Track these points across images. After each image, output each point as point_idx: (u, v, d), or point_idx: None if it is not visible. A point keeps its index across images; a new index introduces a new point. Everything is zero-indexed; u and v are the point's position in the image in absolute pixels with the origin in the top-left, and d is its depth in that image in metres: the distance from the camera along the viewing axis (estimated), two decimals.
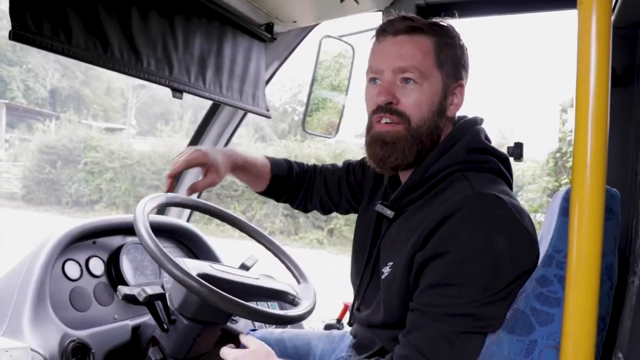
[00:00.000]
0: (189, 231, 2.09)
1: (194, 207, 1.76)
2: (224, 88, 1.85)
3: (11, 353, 1.22)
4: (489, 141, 1.19)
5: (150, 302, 1.49)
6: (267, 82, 2.20)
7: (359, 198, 1.47)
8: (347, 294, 1.45)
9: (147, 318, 1.68)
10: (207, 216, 1.79)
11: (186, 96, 1.70)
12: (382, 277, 1.17)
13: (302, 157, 12.88)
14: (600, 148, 0.73)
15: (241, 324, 1.93)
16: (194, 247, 2.10)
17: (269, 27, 2.03)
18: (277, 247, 1.81)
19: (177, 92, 1.66)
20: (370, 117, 1.18)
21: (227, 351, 1.20)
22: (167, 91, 1.64)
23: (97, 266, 1.73)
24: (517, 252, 1.01)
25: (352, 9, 1.86)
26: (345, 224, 11.02)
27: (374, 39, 1.20)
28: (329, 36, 1.92)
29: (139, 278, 1.83)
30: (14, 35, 1.17)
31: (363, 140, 1.24)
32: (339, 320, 2.14)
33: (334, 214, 1.66)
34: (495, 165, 1.14)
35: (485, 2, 1.81)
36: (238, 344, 1.63)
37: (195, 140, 2.33)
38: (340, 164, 1.61)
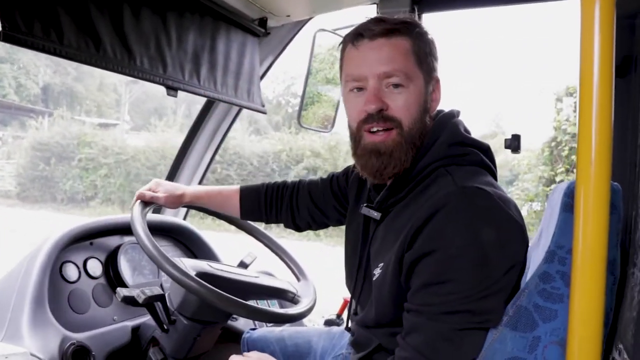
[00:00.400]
0: (186, 229, 2.08)
1: (190, 206, 1.75)
2: (218, 84, 1.84)
3: (12, 359, 1.21)
4: (469, 133, 1.18)
5: (149, 303, 1.49)
6: (262, 77, 2.18)
7: (345, 205, 1.46)
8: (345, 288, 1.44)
9: (147, 318, 1.68)
10: None
11: (180, 91, 1.69)
12: (374, 279, 1.16)
13: (296, 149, 12.86)
14: (604, 144, 0.72)
15: (241, 322, 1.92)
16: (192, 245, 2.09)
17: (263, 21, 2.01)
18: (275, 244, 1.81)
19: (172, 90, 1.64)
20: (358, 126, 1.14)
21: (234, 357, 1.19)
22: (160, 86, 1.63)
23: (95, 267, 1.72)
24: (505, 242, 1.00)
25: (347, 2, 1.85)
26: None
27: (347, 45, 1.16)
28: (323, 30, 1.90)
29: (137, 278, 1.82)
30: (5, 37, 1.15)
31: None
32: (338, 316, 2.13)
33: None
34: (477, 156, 1.13)
35: None
36: (238, 343, 1.63)
37: (191, 136, 2.32)
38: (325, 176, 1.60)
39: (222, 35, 1.84)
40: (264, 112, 2.13)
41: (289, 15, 1.98)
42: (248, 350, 1.59)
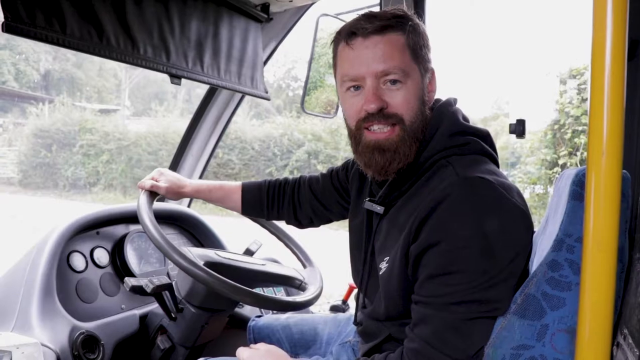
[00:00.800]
0: (191, 217, 2.09)
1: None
2: (221, 71, 1.83)
3: (23, 350, 1.22)
4: (467, 120, 1.18)
5: (157, 293, 1.49)
6: (265, 63, 2.17)
7: (347, 199, 1.46)
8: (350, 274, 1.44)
9: (155, 307, 1.69)
10: None
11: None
12: (380, 273, 1.17)
13: (298, 132, 12.83)
14: (616, 135, 0.72)
15: (247, 310, 1.94)
16: (197, 233, 2.10)
17: (265, 7, 1.99)
18: (281, 231, 1.81)
19: (175, 77, 1.64)
20: (358, 125, 1.13)
21: (242, 349, 1.20)
22: None
23: (102, 256, 1.73)
24: (509, 230, 1.00)
25: None
26: None
27: (341, 44, 1.15)
28: (326, 14, 1.88)
29: (144, 266, 1.83)
30: (7, 28, 1.14)
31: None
32: (344, 302, 2.15)
33: None
34: (477, 145, 1.13)
35: None
36: (245, 330, 1.64)
37: (194, 124, 2.31)
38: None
39: (225, 22, 1.83)
40: (268, 99, 2.12)
41: (291, 1, 1.96)
42: (254, 337, 1.61)
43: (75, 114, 15.30)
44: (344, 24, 1.20)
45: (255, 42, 2.01)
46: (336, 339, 1.53)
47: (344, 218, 1.51)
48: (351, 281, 1.93)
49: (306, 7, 2.08)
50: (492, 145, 1.17)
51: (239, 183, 1.63)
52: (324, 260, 2.49)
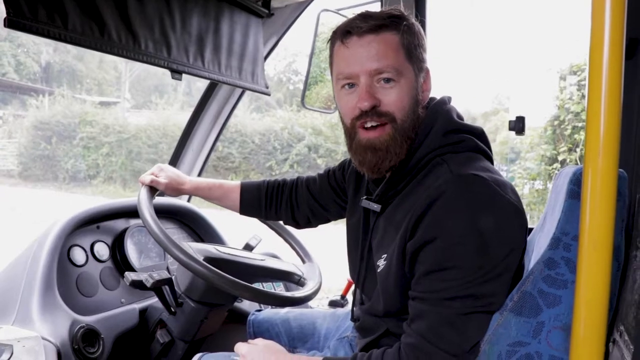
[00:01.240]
0: (191, 212, 2.09)
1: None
2: (222, 67, 1.83)
3: (24, 343, 1.23)
4: (461, 118, 1.20)
5: (157, 287, 1.50)
6: (265, 58, 2.17)
7: (345, 199, 1.47)
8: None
9: (154, 301, 1.70)
10: None
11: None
12: (378, 271, 1.18)
13: (299, 126, 12.82)
14: (612, 135, 0.73)
15: (247, 304, 1.95)
16: (197, 227, 2.11)
17: (266, 2, 1.99)
18: (281, 226, 1.82)
19: (176, 73, 1.64)
20: (352, 123, 1.16)
21: (240, 345, 1.21)
22: None
23: (102, 251, 1.74)
24: (503, 227, 1.02)
25: None
26: None
27: (337, 43, 1.17)
28: (327, 10, 1.88)
29: (144, 261, 1.84)
30: (9, 23, 1.14)
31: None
32: (343, 297, 2.16)
33: None
34: (471, 142, 1.14)
35: None
36: (244, 324, 1.65)
37: (195, 118, 2.31)
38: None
39: (226, 17, 1.83)
40: (268, 94, 2.12)
41: None
42: (254, 331, 1.62)
43: (75, 107, 15.27)
44: (345, 19, 1.21)
45: (256, 37, 2.01)
46: (334, 333, 1.55)
47: (341, 217, 1.53)
48: (349, 276, 1.95)
49: (307, 3, 2.08)
50: (487, 143, 1.19)
51: (238, 182, 1.64)
52: (324, 254, 2.51)
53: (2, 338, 1.25)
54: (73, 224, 1.64)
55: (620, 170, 0.99)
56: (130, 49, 1.46)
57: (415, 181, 1.14)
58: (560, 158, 6.99)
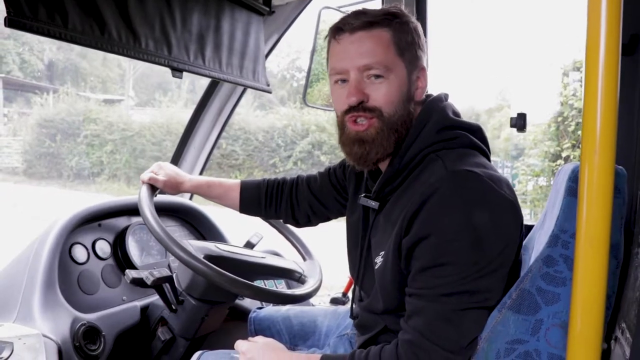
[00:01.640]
0: (192, 209, 2.10)
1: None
2: (223, 65, 1.83)
3: (24, 340, 1.24)
4: (458, 115, 1.20)
5: (158, 285, 1.51)
6: (267, 55, 2.17)
7: (345, 197, 1.48)
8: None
9: (155, 298, 1.70)
10: None
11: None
12: (376, 268, 1.19)
13: (301, 123, 12.82)
14: (609, 131, 0.73)
15: (248, 302, 1.95)
16: (199, 225, 2.11)
17: (267, 0, 1.99)
18: (281, 224, 1.82)
19: (177, 71, 1.64)
20: (342, 116, 1.18)
21: (240, 342, 1.22)
22: None
23: (104, 248, 1.74)
24: (498, 222, 1.02)
25: None
26: None
27: (331, 39, 1.18)
28: (328, 7, 1.88)
29: (145, 258, 1.84)
30: (10, 22, 1.15)
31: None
32: (344, 294, 2.16)
33: None
34: (466, 138, 1.15)
35: None
36: (245, 321, 1.66)
37: (196, 116, 2.32)
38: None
39: (227, 15, 1.83)
40: (269, 92, 2.12)
41: None
42: (255, 329, 1.63)
43: (79, 104, 15.30)
44: None
45: (257, 35, 2.01)
46: (334, 331, 1.55)
47: (342, 215, 1.53)
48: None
49: (308, 0, 2.07)
50: (483, 139, 1.19)
51: (238, 181, 1.64)
52: (326, 251, 2.51)
53: (2, 335, 1.26)
54: (75, 222, 1.65)
55: (620, 167, 0.99)
56: (131, 48, 1.46)
57: (411, 177, 1.14)
58: (563, 154, 6.97)
